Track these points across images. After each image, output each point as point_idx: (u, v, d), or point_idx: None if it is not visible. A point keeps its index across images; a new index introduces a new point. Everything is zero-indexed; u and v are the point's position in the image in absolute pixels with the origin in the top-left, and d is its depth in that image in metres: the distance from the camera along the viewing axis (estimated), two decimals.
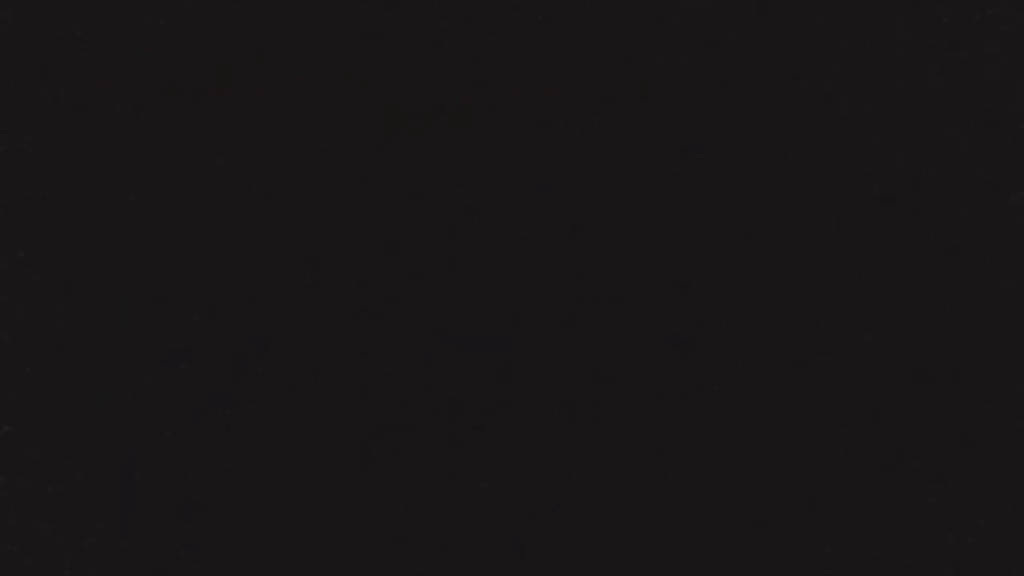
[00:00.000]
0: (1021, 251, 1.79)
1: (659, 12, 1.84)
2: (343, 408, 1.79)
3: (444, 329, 1.81)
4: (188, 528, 1.75)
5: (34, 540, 1.74)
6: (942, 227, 1.80)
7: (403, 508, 1.76)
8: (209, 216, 1.83)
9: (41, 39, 1.84)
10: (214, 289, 1.81)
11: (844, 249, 1.81)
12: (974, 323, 1.78)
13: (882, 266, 1.80)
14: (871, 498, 1.75)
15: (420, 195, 1.84)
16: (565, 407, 1.79)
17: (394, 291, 1.82)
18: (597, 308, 1.81)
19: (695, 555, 1.75)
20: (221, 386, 1.79)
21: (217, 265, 1.82)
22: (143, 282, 1.81)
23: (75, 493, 1.76)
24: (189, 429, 1.78)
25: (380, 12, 1.85)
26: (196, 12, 1.85)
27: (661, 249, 1.82)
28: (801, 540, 1.75)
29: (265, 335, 1.80)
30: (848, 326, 1.79)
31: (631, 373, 1.79)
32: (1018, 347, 1.77)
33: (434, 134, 1.85)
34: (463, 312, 1.81)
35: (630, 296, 1.81)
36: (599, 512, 1.76)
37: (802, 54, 1.84)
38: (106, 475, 1.76)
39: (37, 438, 1.77)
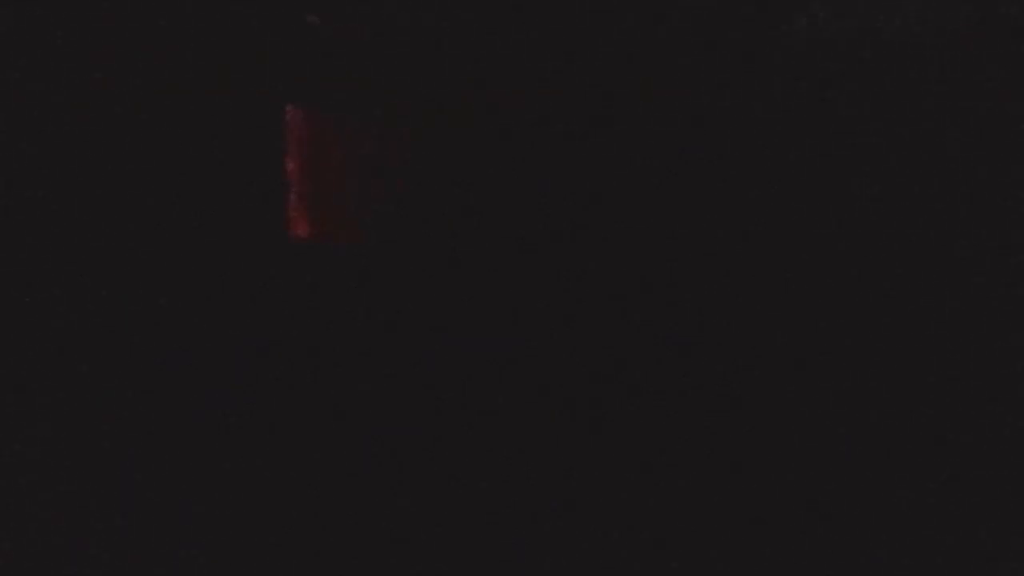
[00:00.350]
0: (1021, 251, 1.79)
1: (659, 12, 1.84)
2: (343, 408, 1.79)
3: (444, 329, 1.81)
4: (188, 528, 1.76)
5: (34, 540, 1.74)
6: (942, 227, 1.80)
7: (403, 508, 1.77)
8: (207, 215, 1.83)
9: (41, 39, 1.84)
10: (214, 288, 1.82)
11: (844, 249, 1.81)
12: (974, 323, 1.78)
13: (882, 266, 1.81)
14: (871, 498, 1.76)
15: (419, 195, 1.84)
16: (565, 407, 1.79)
17: (394, 291, 1.82)
18: (597, 308, 1.81)
19: (695, 555, 1.75)
20: (221, 386, 1.79)
21: (216, 265, 1.82)
22: (144, 282, 1.81)
23: (75, 493, 1.76)
24: (189, 429, 1.78)
25: (380, 12, 1.85)
26: (196, 12, 1.85)
27: (661, 249, 1.82)
28: (801, 540, 1.75)
29: (265, 335, 1.81)
30: (848, 326, 1.80)
31: (631, 373, 1.79)
32: (1018, 347, 1.77)
33: (434, 134, 1.85)
34: (463, 312, 1.81)
35: (630, 296, 1.81)
36: (599, 512, 1.77)
37: (802, 54, 1.84)
38: (106, 475, 1.76)
39: (37, 438, 1.77)
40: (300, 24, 1.63)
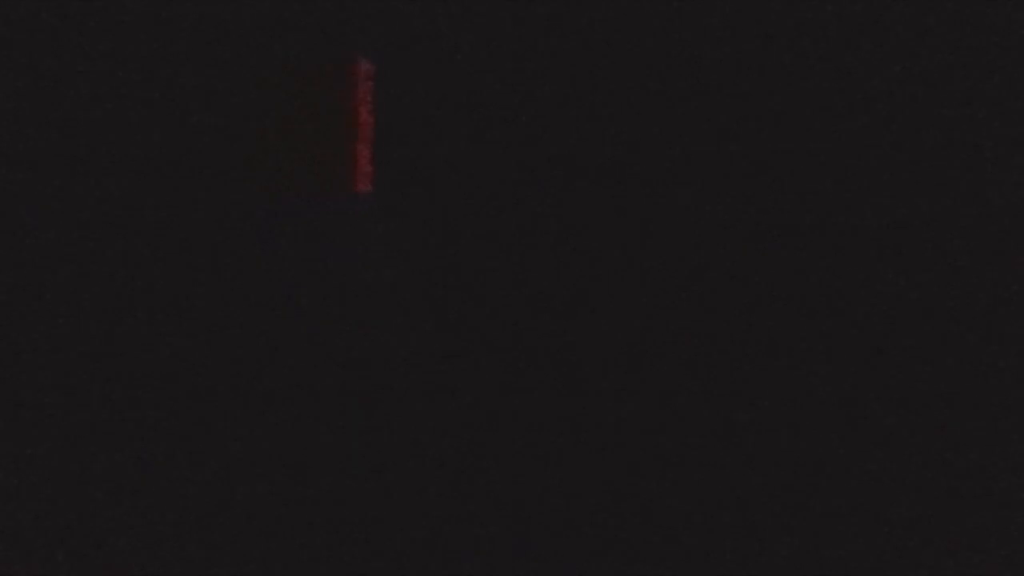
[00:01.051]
0: (1021, 251, 1.79)
1: (659, 12, 1.84)
2: (343, 408, 1.79)
3: (444, 329, 1.81)
4: (188, 528, 1.76)
5: (34, 540, 1.74)
6: (942, 227, 1.80)
7: (402, 508, 1.77)
8: (206, 215, 1.83)
9: (41, 39, 1.84)
10: (214, 288, 1.82)
11: (844, 249, 1.81)
12: (974, 323, 1.78)
13: (882, 266, 1.80)
14: (870, 498, 1.76)
15: (420, 195, 1.84)
16: (565, 407, 1.79)
17: (394, 291, 1.82)
18: (597, 308, 1.81)
19: (695, 555, 1.75)
20: (220, 386, 1.79)
21: (217, 264, 1.82)
22: (144, 282, 1.81)
23: (75, 493, 1.76)
24: (189, 429, 1.78)
25: (381, 12, 1.85)
26: (198, 11, 1.85)
27: (661, 249, 1.82)
28: (801, 540, 1.75)
29: (265, 335, 1.81)
30: (848, 326, 1.80)
31: (631, 374, 1.79)
32: (1018, 347, 1.77)
33: (434, 134, 1.85)
34: (463, 312, 1.81)
35: (629, 296, 1.81)
36: (599, 512, 1.77)
37: (802, 54, 1.84)
38: (106, 475, 1.76)
39: (37, 438, 1.77)
40: None
